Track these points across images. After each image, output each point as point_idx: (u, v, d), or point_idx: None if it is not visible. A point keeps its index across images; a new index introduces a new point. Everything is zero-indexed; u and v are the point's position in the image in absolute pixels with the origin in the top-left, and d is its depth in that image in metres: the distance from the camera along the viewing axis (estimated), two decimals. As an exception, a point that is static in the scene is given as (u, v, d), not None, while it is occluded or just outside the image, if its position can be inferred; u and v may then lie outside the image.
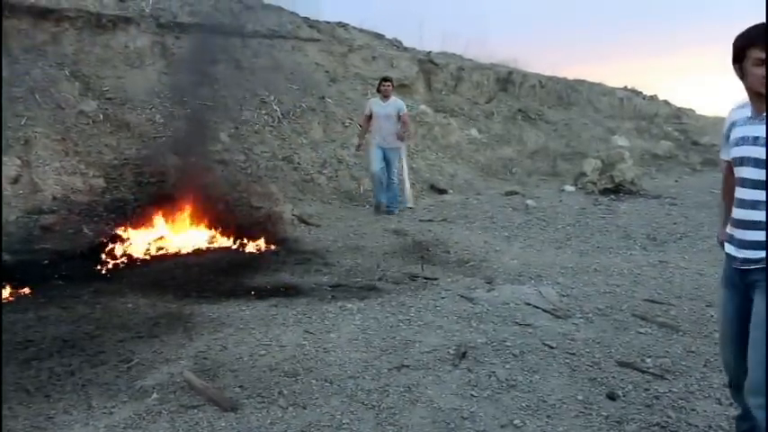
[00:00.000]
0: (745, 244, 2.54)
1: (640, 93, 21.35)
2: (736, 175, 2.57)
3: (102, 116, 8.70)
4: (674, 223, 8.71)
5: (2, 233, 6.28)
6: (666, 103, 21.89)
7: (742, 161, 2.51)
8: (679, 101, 22.68)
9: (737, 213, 2.57)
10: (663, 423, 3.28)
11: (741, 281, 2.58)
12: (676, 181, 13.55)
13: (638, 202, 10.57)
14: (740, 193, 2.55)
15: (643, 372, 3.89)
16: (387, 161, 8.92)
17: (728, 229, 2.65)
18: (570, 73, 20.51)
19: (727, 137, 2.62)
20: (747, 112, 2.52)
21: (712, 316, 4.90)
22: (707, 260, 6.72)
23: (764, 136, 2.39)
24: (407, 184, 9.73)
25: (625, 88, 21.04)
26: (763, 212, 2.44)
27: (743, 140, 2.50)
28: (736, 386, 2.69)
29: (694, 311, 5.03)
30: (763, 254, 2.46)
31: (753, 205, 2.49)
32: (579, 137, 15.98)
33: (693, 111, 22.78)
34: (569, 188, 11.88)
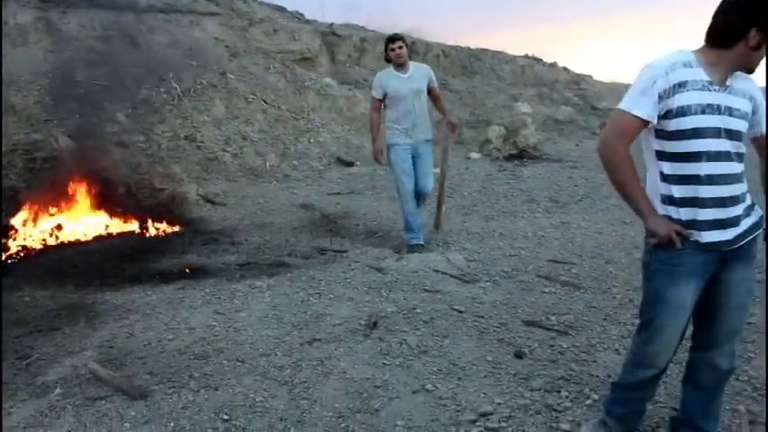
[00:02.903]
0: (740, 218, 2.38)
1: (541, 60, 21.95)
2: (695, 148, 2.29)
3: (-16, 100, 8.15)
4: (575, 185, 9.09)
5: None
6: (566, 69, 22.61)
7: (718, 132, 2.29)
8: (578, 67, 23.55)
9: (724, 190, 2.33)
10: (567, 376, 3.44)
11: (716, 262, 2.40)
12: (577, 145, 14.10)
13: (540, 166, 10.95)
14: (721, 167, 2.31)
15: (548, 329, 4.06)
16: (416, 160, 5.88)
17: (704, 214, 2.34)
18: (473, 42, 20.82)
19: (663, 95, 2.28)
20: (700, 74, 2.29)
21: (611, 272, 5.18)
22: (606, 219, 7.08)
23: (739, 108, 2.31)
24: (444, 199, 6.62)
25: (526, 56, 21.56)
26: (742, 185, 2.37)
27: (710, 109, 2.27)
28: (659, 374, 2.65)
29: (595, 269, 5.29)
30: (754, 220, 2.42)
31: (739, 179, 2.36)
32: (483, 105, 16.30)
33: (591, 77, 23.68)
34: (475, 155, 12.16)
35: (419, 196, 5.99)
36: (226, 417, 3.03)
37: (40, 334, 3.99)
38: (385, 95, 5.82)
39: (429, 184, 5.99)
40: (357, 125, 12.67)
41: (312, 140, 11.19)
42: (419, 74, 5.87)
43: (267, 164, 9.91)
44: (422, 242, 5.88)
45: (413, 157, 5.84)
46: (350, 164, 10.83)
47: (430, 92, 5.95)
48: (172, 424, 2.97)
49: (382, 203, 8.05)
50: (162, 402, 3.16)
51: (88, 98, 8.97)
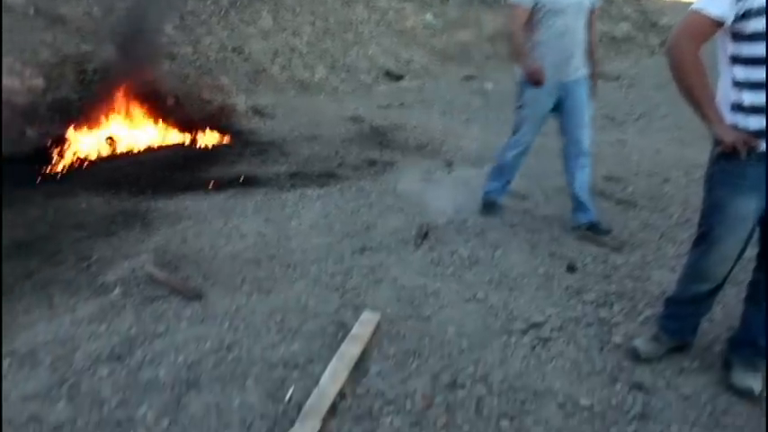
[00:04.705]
0: None
1: (599, -29, 20.88)
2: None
3: (33, 11, 8.13)
4: (632, 104, 8.77)
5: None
6: (625, -19, 21.48)
7: None
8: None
9: None
10: (620, 292, 3.42)
11: None
12: (635, 63, 13.54)
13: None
14: None
15: (601, 245, 4.00)
16: (566, 106, 4.14)
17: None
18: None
19: None
20: None
21: (668, 191, 5.04)
22: (664, 139, 6.84)
23: None
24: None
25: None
26: None
27: None
28: (715, 290, 2.62)
29: (651, 187, 5.17)
30: None
31: None
32: (536, 18, 15.68)
33: (653, -9, 22.48)
34: (528, 70, 11.76)
35: (572, 155, 4.26)
36: (279, 319, 3.08)
37: (98, 238, 4.08)
38: (535, 5, 3.97)
39: (586, 137, 4.20)
40: (406, 38, 12.34)
41: (361, 53, 10.95)
42: None
43: (315, 76, 9.77)
44: (497, 200, 4.58)
45: (561, 100, 4.12)
46: (399, 77, 10.62)
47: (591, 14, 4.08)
48: (227, 324, 3.03)
49: (432, 117, 7.92)
50: (216, 304, 3.22)
51: (136, 9, 8.88)
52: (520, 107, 4.24)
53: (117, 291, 3.36)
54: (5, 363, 2.72)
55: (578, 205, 4.25)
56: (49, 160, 5.88)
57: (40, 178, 5.42)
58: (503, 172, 4.47)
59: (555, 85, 4.03)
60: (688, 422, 2.42)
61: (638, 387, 2.62)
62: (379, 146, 6.37)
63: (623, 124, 7.68)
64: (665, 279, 3.53)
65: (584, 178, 4.23)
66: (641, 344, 2.83)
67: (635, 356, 2.81)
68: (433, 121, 7.65)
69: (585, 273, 3.66)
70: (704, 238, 2.51)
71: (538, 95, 4.09)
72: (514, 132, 4.33)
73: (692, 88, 2.27)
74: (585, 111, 4.14)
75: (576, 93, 4.08)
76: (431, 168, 5.56)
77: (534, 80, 3.96)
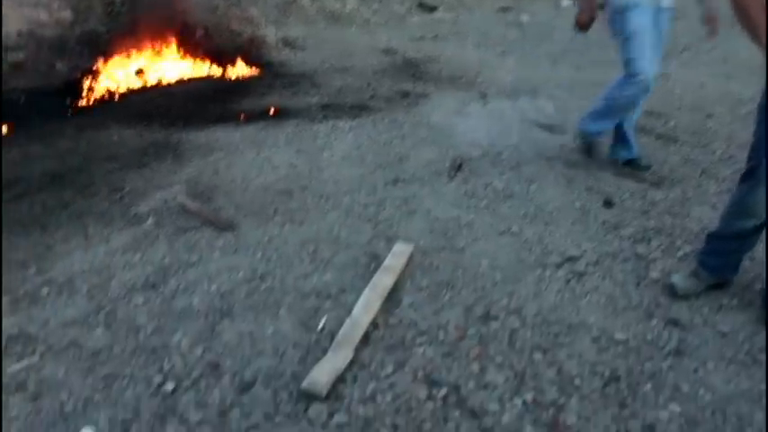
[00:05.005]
0: None
1: None
2: None
3: (60, -60, 8.00)
4: (677, 36, 8.41)
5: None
6: None
7: None
8: None
9: None
10: (658, 228, 3.35)
11: None
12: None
13: (638, 13, 10.15)
14: None
15: (640, 181, 3.91)
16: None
17: None
18: None
19: None
20: None
21: (711, 127, 4.89)
22: (708, 73, 6.57)
23: None
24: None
25: None
26: None
27: None
28: (761, 227, 2.55)
29: (694, 122, 4.99)
30: None
31: None
32: (576, -56, 15.01)
33: None
34: (566, 3, 11.35)
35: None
36: (311, 249, 3.07)
37: (130, 169, 4.08)
38: None
39: (654, 70, 3.71)
40: (440, -33, 11.96)
41: (393, -17, 10.65)
42: None
43: (347, 7, 9.52)
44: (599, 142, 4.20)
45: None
46: (433, 8, 10.30)
47: None
48: (259, 254, 3.04)
49: (466, 49, 7.69)
50: (249, 234, 3.23)
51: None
52: (625, 39, 3.65)
53: (150, 221, 3.37)
54: (44, 290, 2.77)
55: (621, 139, 4.04)
56: (79, 93, 5.87)
57: (71, 111, 5.43)
58: (613, 113, 3.87)
59: (654, 9, 3.62)
60: (724, 359, 2.38)
61: (675, 323, 2.57)
62: (412, 78, 6.23)
63: (667, 57, 7.35)
64: (706, 216, 3.44)
65: (634, 114, 3.97)
66: (679, 280, 2.77)
67: (672, 292, 2.76)
68: (467, 53, 7.44)
69: (623, 208, 3.58)
70: (753, 173, 2.43)
71: (643, 21, 3.59)
72: (628, 71, 3.68)
73: (752, 17, 2.18)
74: (662, 46, 3.77)
75: (661, 23, 3.69)
76: (465, 100, 5.43)
77: (580, 24, 3.81)
